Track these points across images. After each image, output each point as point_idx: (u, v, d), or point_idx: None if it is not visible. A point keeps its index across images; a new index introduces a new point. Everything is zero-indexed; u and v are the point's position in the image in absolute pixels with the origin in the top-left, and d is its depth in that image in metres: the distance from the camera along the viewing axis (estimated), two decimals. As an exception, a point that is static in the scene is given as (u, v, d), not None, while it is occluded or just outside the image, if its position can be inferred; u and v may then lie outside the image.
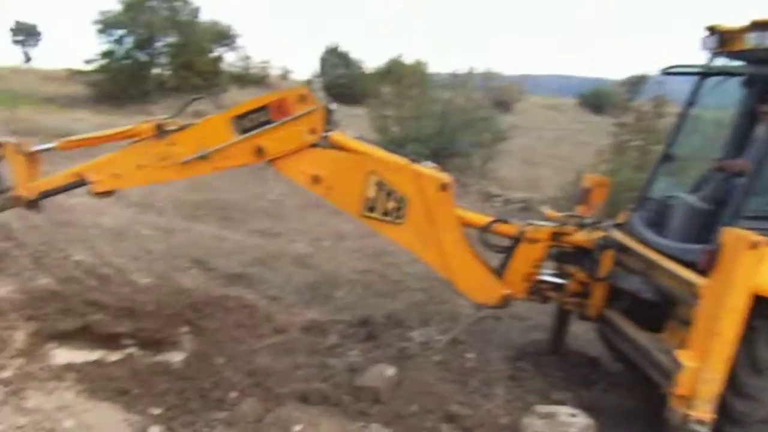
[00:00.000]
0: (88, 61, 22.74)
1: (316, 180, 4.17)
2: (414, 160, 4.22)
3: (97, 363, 4.20)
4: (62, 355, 4.25)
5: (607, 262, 4.36)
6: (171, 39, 23.28)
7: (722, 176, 4.10)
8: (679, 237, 3.99)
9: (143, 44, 22.85)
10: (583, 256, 4.43)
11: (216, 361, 4.34)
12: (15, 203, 4.52)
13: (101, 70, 22.60)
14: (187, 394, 3.94)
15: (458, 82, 14.49)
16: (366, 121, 14.29)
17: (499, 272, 4.41)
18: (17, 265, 5.06)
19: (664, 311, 4.04)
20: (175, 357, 4.44)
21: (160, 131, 4.18)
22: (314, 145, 4.13)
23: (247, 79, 27.73)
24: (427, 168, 4.19)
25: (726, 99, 4.49)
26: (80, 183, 4.36)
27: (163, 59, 23.60)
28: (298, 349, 4.71)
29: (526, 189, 12.39)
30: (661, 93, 10.11)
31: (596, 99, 33.72)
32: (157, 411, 3.77)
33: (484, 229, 4.47)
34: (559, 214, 4.65)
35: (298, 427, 3.66)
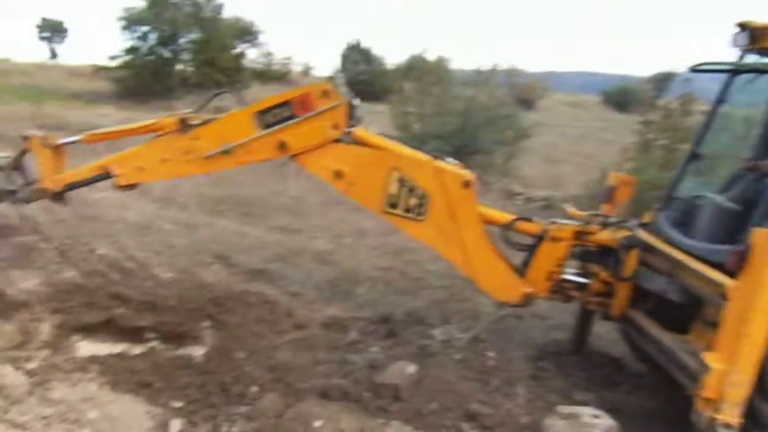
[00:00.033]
0: (112, 57, 23.12)
1: (338, 175, 4.16)
2: (436, 157, 4.19)
3: (120, 356, 4.24)
4: (86, 347, 4.30)
5: (631, 261, 4.29)
6: (194, 35, 23.55)
7: (753, 176, 4.01)
8: (706, 237, 3.92)
9: (167, 40, 23.13)
10: (607, 255, 4.37)
11: (237, 355, 4.35)
12: (41, 195, 4.58)
13: (125, 66, 22.94)
14: (208, 388, 3.97)
15: (481, 79, 14.38)
16: (387, 118, 14.25)
17: (521, 270, 4.36)
18: (43, 258, 5.12)
19: (690, 312, 3.97)
20: (197, 351, 4.46)
21: (184, 125, 4.20)
22: (337, 141, 4.12)
23: (269, 75, 27.96)
24: (450, 165, 4.16)
25: (757, 97, 4.38)
26: (105, 176, 4.40)
27: (186, 55, 23.89)
28: (319, 345, 4.71)
29: (549, 187, 12.28)
30: (688, 90, 9.96)
31: (621, 96, 33.30)
32: (178, 404, 3.81)
33: (507, 226, 4.43)
34: (583, 213, 4.58)
35: (318, 423, 3.65)
